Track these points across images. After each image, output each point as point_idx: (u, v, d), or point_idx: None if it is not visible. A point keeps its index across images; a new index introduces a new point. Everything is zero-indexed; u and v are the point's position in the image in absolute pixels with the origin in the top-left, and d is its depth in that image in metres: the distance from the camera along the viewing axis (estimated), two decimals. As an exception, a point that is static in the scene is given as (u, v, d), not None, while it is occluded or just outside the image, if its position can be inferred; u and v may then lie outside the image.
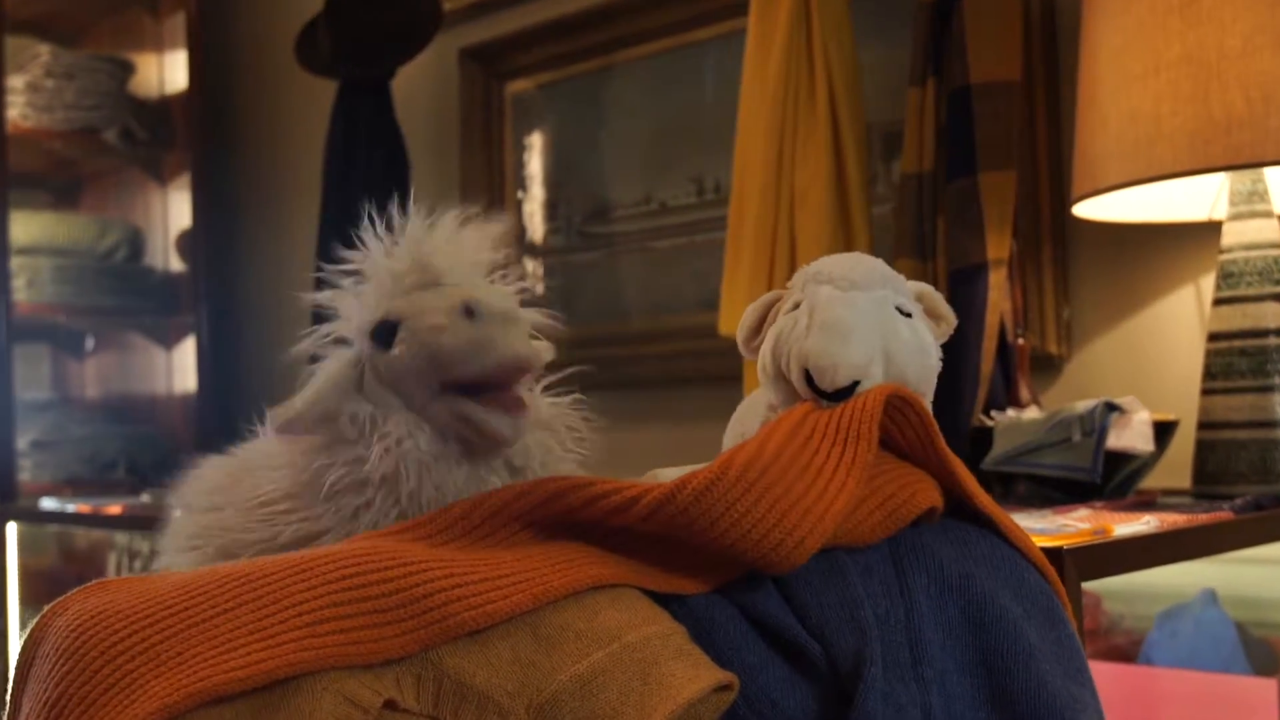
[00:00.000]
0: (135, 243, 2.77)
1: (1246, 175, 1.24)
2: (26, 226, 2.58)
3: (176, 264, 2.80)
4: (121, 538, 2.17)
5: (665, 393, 1.95)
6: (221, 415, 2.62)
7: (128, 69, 2.75)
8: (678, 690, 0.53)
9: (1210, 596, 1.26)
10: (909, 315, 0.70)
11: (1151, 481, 1.28)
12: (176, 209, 2.78)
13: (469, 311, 0.63)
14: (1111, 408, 1.15)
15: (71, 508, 1.99)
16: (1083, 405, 1.17)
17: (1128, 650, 1.30)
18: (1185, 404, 1.32)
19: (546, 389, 0.73)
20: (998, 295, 1.32)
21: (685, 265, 1.97)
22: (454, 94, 2.28)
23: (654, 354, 1.97)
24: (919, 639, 0.59)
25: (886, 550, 0.63)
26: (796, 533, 0.57)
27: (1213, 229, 1.37)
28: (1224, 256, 1.25)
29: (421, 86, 2.32)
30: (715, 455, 0.62)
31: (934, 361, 0.71)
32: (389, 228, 0.68)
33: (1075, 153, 1.29)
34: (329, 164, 2.16)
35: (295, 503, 0.66)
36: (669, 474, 0.68)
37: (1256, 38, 1.11)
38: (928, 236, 1.43)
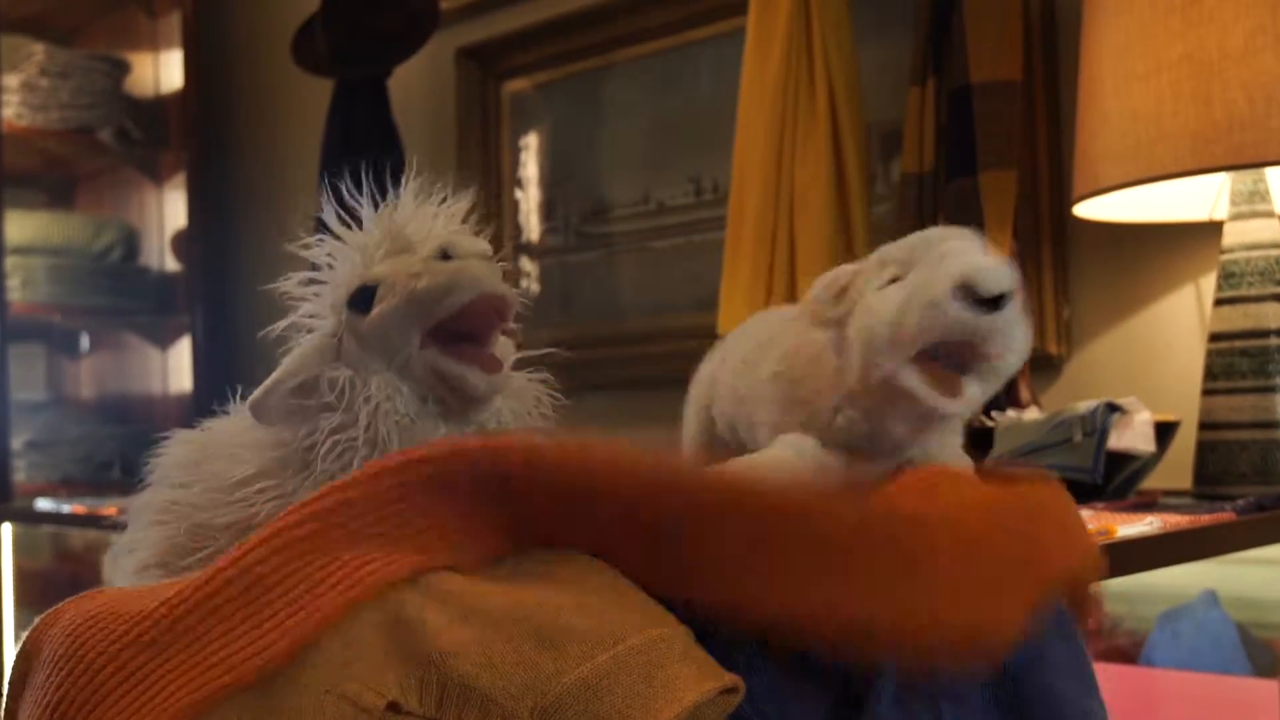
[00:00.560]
0: (130, 242, 2.76)
1: (1248, 175, 1.24)
2: (21, 226, 2.57)
3: (172, 264, 2.79)
4: (117, 539, 2.16)
5: (663, 393, 1.93)
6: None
7: (123, 68, 2.74)
8: (683, 694, 0.53)
9: (1211, 598, 1.26)
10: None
11: (1152, 482, 1.27)
12: (172, 209, 2.78)
13: (444, 255, 0.64)
14: (1113, 408, 1.15)
15: (67, 508, 1.98)
16: (1084, 406, 1.16)
17: (1129, 651, 1.30)
18: (1185, 404, 1.31)
19: (522, 366, 0.74)
20: (998, 295, 1.32)
21: (683, 265, 1.96)
22: (451, 93, 2.28)
23: (652, 354, 1.97)
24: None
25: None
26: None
27: (1213, 229, 1.36)
28: (1225, 257, 1.25)
29: (418, 86, 2.31)
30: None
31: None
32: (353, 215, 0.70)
33: (1075, 153, 1.29)
34: (325, 164, 2.15)
35: (269, 480, 0.66)
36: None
37: (1258, 37, 1.11)
38: (927, 236, 1.43)
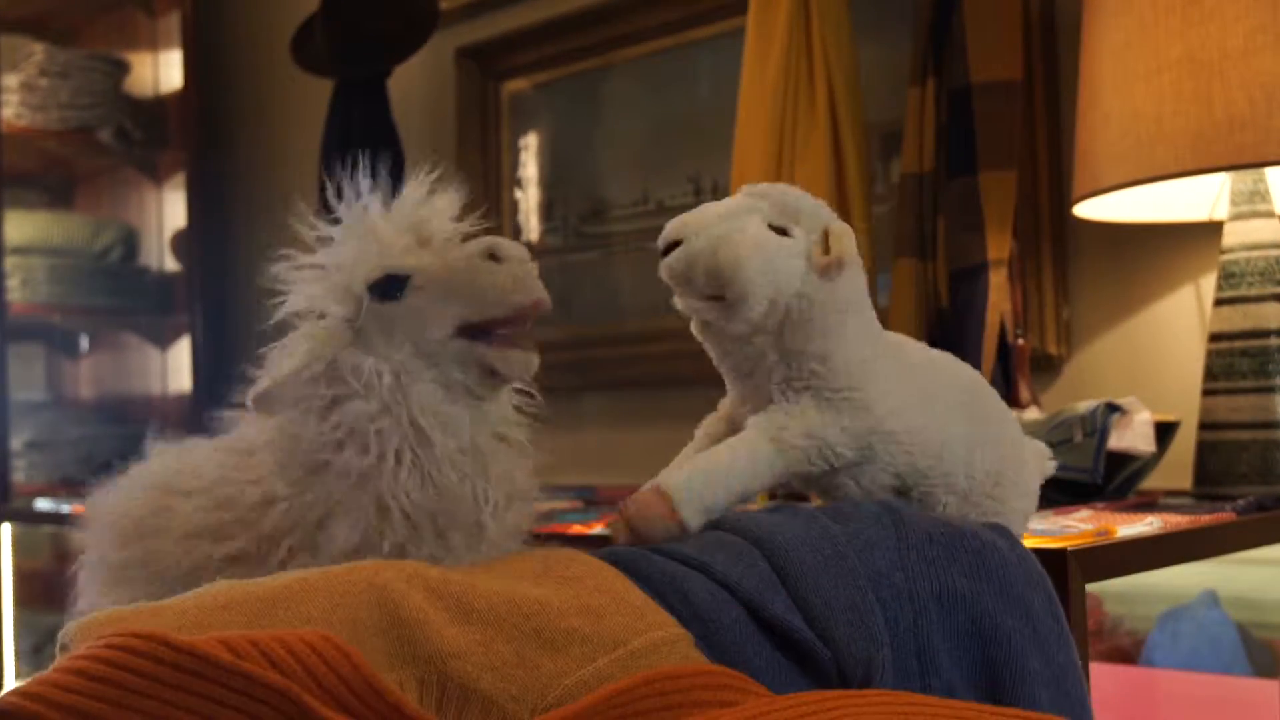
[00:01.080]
0: (130, 242, 2.76)
1: (1248, 175, 1.24)
2: (21, 226, 2.57)
3: (171, 264, 2.79)
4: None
5: (662, 393, 1.94)
6: (217, 416, 2.60)
7: (123, 68, 2.74)
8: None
9: (1211, 598, 1.26)
10: (784, 232, 0.74)
11: (1152, 482, 1.27)
12: (171, 208, 2.78)
13: (493, 256, 0.68)
14: (1113, 408, 1.15)
15: (66, 508, 1.98)
16: (1084, 406, 1.16)
17: (1129, 651, 1.30)
18: (1185, 404, 1.31)
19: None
20: (998, 295, 1.32)
21: (683, 265, 1.96)
22: (450, 93, 2.28)
23: (651, 354, 1.96)
24: (927, 647, 0.59)
25: (896, 556, 0.63)
26: None
27: (1213, 229, 1.36)
28: (1225, 257, 1.25)
29: (418, 86, 2.31)
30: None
31: (763, 261, 0.74)
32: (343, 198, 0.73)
33: (1076, 153, 1.28)
34: (325, 163, 2.15)
35: (277, 485, 0.66)
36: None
37: (1258, 37, 1.11)
38: (928, 236, 1.43)
